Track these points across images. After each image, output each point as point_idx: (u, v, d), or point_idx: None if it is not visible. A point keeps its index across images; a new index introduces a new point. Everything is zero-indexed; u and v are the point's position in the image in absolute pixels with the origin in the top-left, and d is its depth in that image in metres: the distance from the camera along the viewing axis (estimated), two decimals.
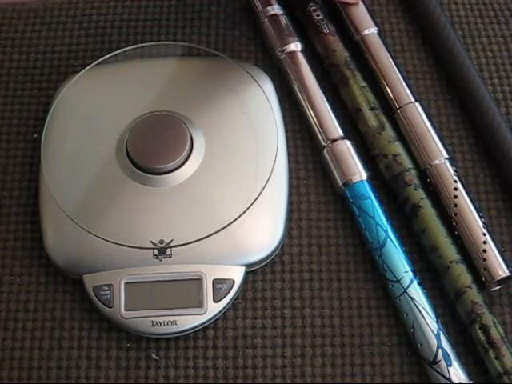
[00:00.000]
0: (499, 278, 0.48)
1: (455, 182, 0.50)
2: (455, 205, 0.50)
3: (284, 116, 0.54)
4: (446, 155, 0.51)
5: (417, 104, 0.53)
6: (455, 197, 0.50)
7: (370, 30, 0.56)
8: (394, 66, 0.55)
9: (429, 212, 0.50)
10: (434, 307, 0.48)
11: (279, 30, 0.56)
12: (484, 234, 0.49)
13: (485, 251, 0.48)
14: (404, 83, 0.54)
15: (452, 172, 0.51)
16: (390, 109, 0.54)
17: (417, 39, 0.58)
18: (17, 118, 0.55)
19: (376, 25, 0.56)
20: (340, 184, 0.51)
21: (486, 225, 0.49)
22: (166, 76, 0.55)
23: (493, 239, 0.49)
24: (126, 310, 0.47)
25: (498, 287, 0.49)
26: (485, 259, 0.48)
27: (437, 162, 0.51)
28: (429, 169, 0.51)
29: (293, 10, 0.58)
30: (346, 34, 0.57)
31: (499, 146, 0.52)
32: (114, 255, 0.48)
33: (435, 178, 0.51)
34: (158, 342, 0.48)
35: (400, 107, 0.53)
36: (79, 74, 0.53)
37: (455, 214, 0.50)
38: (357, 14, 0.56)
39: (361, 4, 0.57)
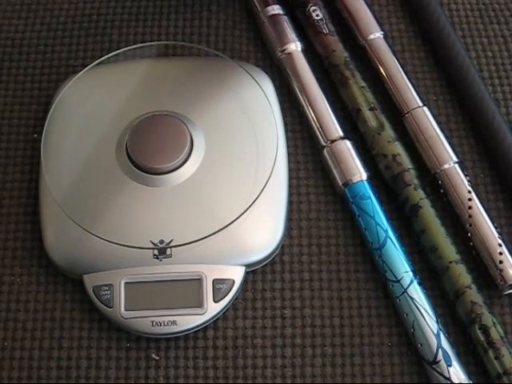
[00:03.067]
0: None
1: (469, 185, 0.50)
2: (470, 207, 0.50)
3: (284, 116, 0.54)
4: (456, 159, 0.51)
5: (425, 108, 0.53)
6: (469, 199, 0.50)
7: (376, 35, 0.56)
8: (400, 70, 0.55)
9: (428, 212, 0.50)
10: (434, 307, 0.48)
11: (279, 30, 0.56)
12: (499, 237, 0.49)
13: (500, 254, 0.48)
14: (411, 87, 0.54)
15: (463, 176, 0.51)
16: (397, 113, 0.54)
17: (417, 39, 0.58)
18: (17, 118, 0.55)
19: (381, 29, 0.56)
20: (340, 184, 0.51)
21: (498, 228, 0.49)
22: (166, 76, 0.55)
23: (504, 242, 0.49)
24: (126, 309, 0.47)
25: (510, 291, 0.49)
26: (501, 262, 0.48)
27: (446, 166, 0.51)
28: (439, 173, 0.51)
29: (293, 10, 0.58)
30: (346, 35, 0.57)
31: (499, 145, 0.52)
32: (114, 255, 0.48)
33: (445, 182, 0.51)
34: (158, 342, 0.48)
35: (408, 112, 0.53)
36: (79, 74, 0.53)
37: (469, 216, 0.49)
38: (362, 18, 0.56)
39: (366, 8, 0.57)
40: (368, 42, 0.56)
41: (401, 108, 0.54)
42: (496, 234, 0.49)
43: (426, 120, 0.53)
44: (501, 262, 0.48)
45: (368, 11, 0.57)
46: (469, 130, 0.55)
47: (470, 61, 0.55)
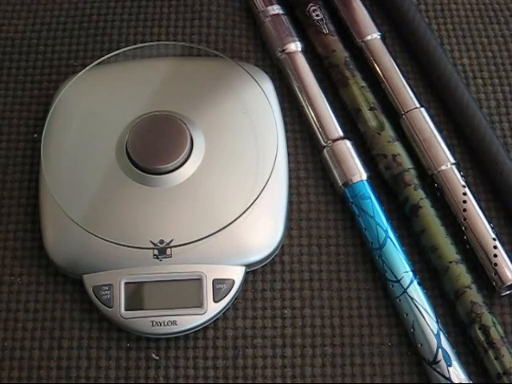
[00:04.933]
0: (510, 283, 0.48)
1: (463, 187, 0.50)
2: (464, 210, 0.50)
3: (284, 116, 0.54)
4: (453, 160, 0.51)
5: (422, 109, 0.53)
6: (464, 202, 0.50)
7: (373, 36, 0.56)
8: (397, 71, 0.55)
9: (428, 212, 0.50)
10: (434, 307, 0.48)
11: (279, 30, 0.56)
12: (494, 239, 0.49)
13: (495, 256, 0.48)
14: (409, 88, 0.54)
15: (460, 177, 0.51)
16: (395, 114, 0.54)
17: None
18: (17, 118, 0.55)
19: (379, 30, 0.56)
20: (340, 184, 0.51)
21: (495, 230, 0.49)
22: (166, 76, 0.55)
23: (502, 243, 0.49)
24: (126, 309, 0.47)
25: (507, 292, 0.49)
26: (496, 264, 0.48)
27: (443, 167, 0.51)
28: (436, 174, 0.51)
29: (293, 10, 0.58)
30: (346, 35, 0.57)
31: (486, 149, 0.52)
32: (114, 255, 0.48)
33: (442, 183, 0.51)
34: (158, 342, 0.48)
35: (405, 113, 0.53)
36: (79, 74, 0.53)
37: (464, 219, 0.49)
38: (359, 19, 0.56)
39: (363, 9, 0.57)
40: (365, 42, 0.56)
41: (398, 109, 0.54)
42: (492, 236, 0.49)
43: (423, 121, 0.53)
44: (496, 264, 0.48)
45: (365, 12, 0.57)
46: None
47: (447, 60, 0.55)
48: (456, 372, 0.46)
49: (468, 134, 0.53)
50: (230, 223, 0.48)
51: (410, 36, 0.57)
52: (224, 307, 0.48)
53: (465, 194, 0.50)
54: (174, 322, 0.47)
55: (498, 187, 0.52)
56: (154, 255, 0.48)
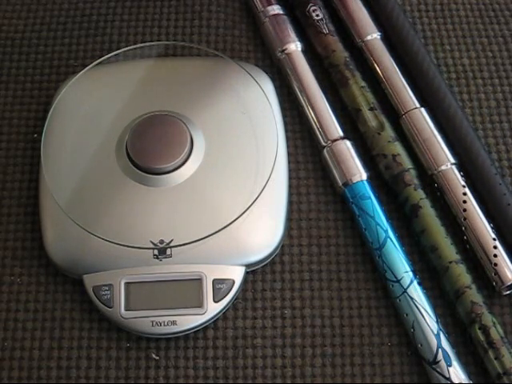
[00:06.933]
0: (510, 283, 0.48)
1: (463, 187, 0.50)
2: (464, 210, 0.50)
3: (284, 116, 0.54)
4: (453, 160, 0.51)
5: (422, 109, 0.53)
6: (464, 202, 0.50)
7: (373, 36, 0.56)
8: (397, 70, 0.54)
9: (428, 212, 0.50)
10: (434, 307, 0.48)
11: (279, 30, 0.56)
12: (494, 239, 0.49)
13: (495, 256, 0.48)
14: (408, 88, 0.54)
15: (459, 177, 0.51)
16: (395, 114, 0.54)
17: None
18: (17, 118, 0.55)
19: (379, 30, 0.56)
20: (340, 184, 0.51)
21: (495, 230, 0.49)
22: (166, 76, 0.55)
23: (502, 244, 0.49)
24: (126, 310, 0.47)
25: (507, 292, 0.49)
26: (496, 264, 0.48)
27: (443, 167, 0.51)
28: (436, 174, 0.51)
29: (293, 9, 0.58)
30: (346, 35, 0.57)
31: (468, 150, 0.52)
32: (114, 255, 0.48)
33: (442, 183, 0.51)
34: (158, 342, 0.48)
35: (405, 113, 0.53)
36: (79, 74, 0.54)
37: (464, 219, 0.49)
38: (359, 18, 0.56)
39: (363, 8, 0.57)
40: (365, 42, 0.56)
41: (398, 109, 0.54)
42: (492, 236, 0.49)
43: (423, 121, 0.52)
44: (496, 264, 0.48)
45: (365, 12, 0.57)
46: None
47: (430, 60, 0.55)
48: (456, 372, 0.46)
49: (450, 134, 0.53)
50: (230, 223, 0.48)
51: (395, 38, 0.56)
52: (224, 307, 0.48)
53: (465, 193, 0.50)
54: (174, 322, 0.47)
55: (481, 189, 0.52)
56: (154, 255, 0.48)
